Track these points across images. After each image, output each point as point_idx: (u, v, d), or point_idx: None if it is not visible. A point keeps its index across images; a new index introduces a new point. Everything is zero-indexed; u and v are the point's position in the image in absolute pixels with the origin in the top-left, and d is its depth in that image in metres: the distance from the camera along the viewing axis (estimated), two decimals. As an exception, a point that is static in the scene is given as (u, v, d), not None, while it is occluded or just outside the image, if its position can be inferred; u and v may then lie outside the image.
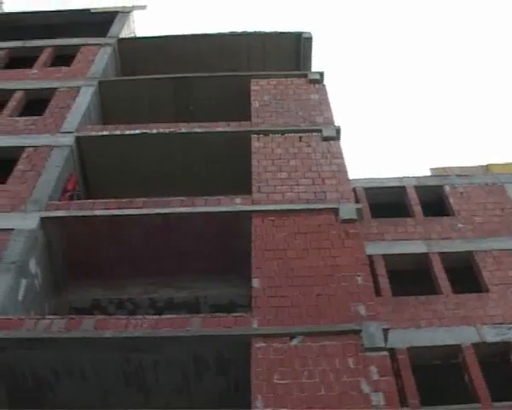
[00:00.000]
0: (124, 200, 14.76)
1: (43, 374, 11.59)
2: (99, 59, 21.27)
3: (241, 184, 15.44)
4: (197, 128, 17.08)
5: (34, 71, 21.02)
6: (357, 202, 14.59)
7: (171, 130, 17.12)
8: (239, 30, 21.90)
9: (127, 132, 17.25)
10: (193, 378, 11.46)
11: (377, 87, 78.61)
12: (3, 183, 15.76)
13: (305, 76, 18.83)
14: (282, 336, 10.97)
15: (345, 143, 36.73)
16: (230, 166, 16.68)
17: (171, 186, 16.55)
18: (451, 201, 18.88)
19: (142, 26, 31.49)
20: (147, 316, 11.87)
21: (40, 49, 22.43)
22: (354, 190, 15.70)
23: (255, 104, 17.79)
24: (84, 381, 11.56)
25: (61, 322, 11.63)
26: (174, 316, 11.80)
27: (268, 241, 13.20)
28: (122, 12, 24.27)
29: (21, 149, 16.89)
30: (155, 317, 11.75)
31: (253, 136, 16.38)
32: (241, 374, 11.03)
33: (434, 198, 19.25)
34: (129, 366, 11.40)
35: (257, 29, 21.79)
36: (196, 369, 11.33)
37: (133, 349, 11.24)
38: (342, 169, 15.06)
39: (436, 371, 14.91)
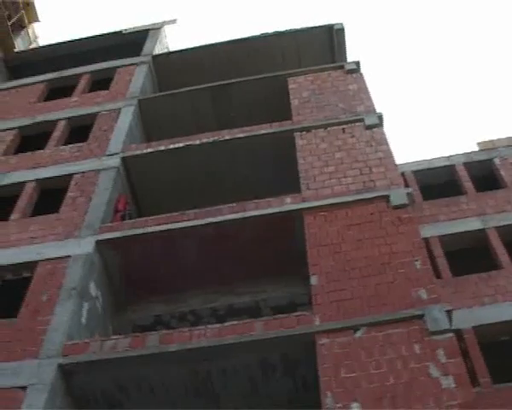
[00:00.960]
0: (175, 213, 14.85)
1: (113, 393, 11.73)
2: (136, 78, 21.46)
3: (289, 183, 15.38)
4: (240, 133, 17.07)
5: (74, 99, 21.32)
6: (406, 186, 14.41)
7: (215, 139, 17.15)
8: (269, 31, 21.88)
9: (171, 147, 17.33)
10: (260, 382, 11.45)
11: (412, 69, 77.78)
12: (56, 211, 15.96)
13: (342, 67, 18.71)
14: (345, 329, 10.90)
15: (388, 130, 36.43)
16: (277, 167, 16.61)
17: (220, 194, 16.55)
18: (503, 173, 18.58)
19: (174, 39, 31.63)
20: (209, 326, 11.88)
21: (77, 76, 22.77)
22: (403, 174, 15.53)
23: (295, 102, 17.72)
24: (153, 396, 11.65)
25: (126, 341, 11.77)
26: (236, 322, 11.78)
27: (322, 237, 13.12)
28: (153, 29, 24.45)
29: (70, 176, 17.14)
30: (218, 325, 11.77)
31: (296, 134, 16.32)
32: (308, 373, 10.99)
33: (485, 173, 18.99)
34: (196, 377, 11.46)
35: (287, 28, 21.77)
36: (263, 372, 11.32)
37: (199, 360, 11.30)
38: (388, 155, 14.90)
39: (505, 348, 14.66)
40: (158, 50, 23.27)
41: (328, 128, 16.23)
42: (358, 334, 10.82)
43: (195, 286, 14.67)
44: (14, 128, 20.36)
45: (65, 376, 11.62)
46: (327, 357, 10.52)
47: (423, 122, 72.49)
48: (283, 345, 11.12)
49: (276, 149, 16.54)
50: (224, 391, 11.56)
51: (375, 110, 16.55)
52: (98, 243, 14.61)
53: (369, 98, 17.12)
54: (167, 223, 14.68)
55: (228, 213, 14.46)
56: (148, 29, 24.53)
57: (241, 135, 17.02)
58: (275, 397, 11.52)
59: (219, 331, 11.49)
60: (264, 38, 21.72)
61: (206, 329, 11.66)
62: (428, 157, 18.73)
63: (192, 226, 14.48)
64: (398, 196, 13.54)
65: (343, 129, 16.09)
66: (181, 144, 17.28)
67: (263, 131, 16.89)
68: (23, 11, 30.30)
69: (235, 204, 14.65)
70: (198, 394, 11.62)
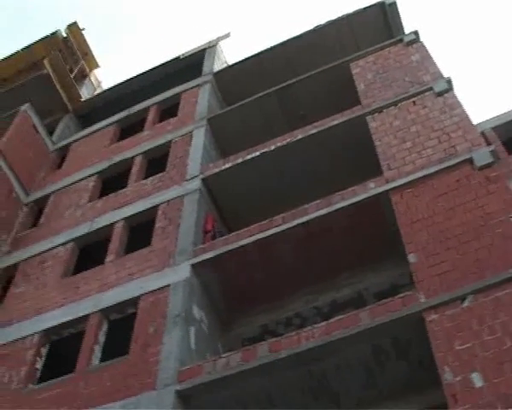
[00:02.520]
0: (263, 222, 14.88)
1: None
2: (201, 99, 21.67)
3: (369, 168, 15.18)
4: (312, 130, 16.98)
5: (146, 132, 21.70)
6: (488, 144, 13.95)
7: (288, 140, 17.12)
8: (321, 22, 21.72)
9: (248, 157, 17.41)
10: (376, 370, 11.29)
11: (469, 27, 75.84)
12: (148, 244, 16.23)
13: (401, 41, 18.40)
14: (452, 301, 10.64)
15: (460, 93, 35.56)
16: (354, 154, 16.43)
17: (303, 192, 16.48)
18: None
19: (231, 52, 31.88)
20: (315, 325, 11.78)
21: (145, 110, 23.21)
22: (482, 133, 15.02)
23: (361, 86, 17.54)
24: (272, 405, 11.65)
25: (237, 356, 11.83)
26: (342, 316, 11.64)
27: (412, 213, 12.88)
28: (209, 47, 24.64)
29: (155, 207, 17.43)
30: (324, 323, 11.65)
31: (367, 117, 16.13)
32: (422, 352, 10.77)
33: None
34: (312, 379, 11.40)
35: (338, 15, 21.55)
36: (377, 360, 11.17)
37: (311, 361, 11.25)
38: (464, 117, 14.53)
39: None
40: (217, 67, 23.44)
41: (399, 104, 15.97)
42: (466, 303, 10.55)
43: (295, 289, 14.68)
44: (94, 174, 20.90)
45: (184, 401, 11.78)
46: (438, 332, 10.31)
47: (491, 79, 70.46)
48: (392, 329, 10.95)
49: (350, 136, 16.38)
50: (342, 387, 11.46)
51: (442, 76, 16.19)
52: (194, 266, 14.79)
53: (434, 65, 16.77)
54: (258, 233, 14.72)
55: (314, 211, 14.39)
56: (204, 48, 24.75)
57: (314, 131, 16.92)
58: (392, 382, 11.33)
59: (326, 329, 11.39)
60: (318, 30, 21.59)
61: (313, 329, 11.57)
62: (506, 110, 18.05)
63: (282, 231, 14.48)
64: (482, 156, 13.17)
65: (413, 102, 15.80)
66: (257, 153, 17.33)
67: (335, 122, 16.75)
68: (83, 61, 31.06)
69: (319, 200, 14.56)
70: (316, 395, 11.56)
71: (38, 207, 21.30)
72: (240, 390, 11.59)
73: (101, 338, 14.54)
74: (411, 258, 11.94)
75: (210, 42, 24.97)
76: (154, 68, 25.57)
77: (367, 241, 14.09)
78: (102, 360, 14.03)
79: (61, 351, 15.37)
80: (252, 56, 22.41)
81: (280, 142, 17.24)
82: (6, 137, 22.06)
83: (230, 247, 14.81)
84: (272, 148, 17.20)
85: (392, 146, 14.87)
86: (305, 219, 14.38)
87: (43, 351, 15.13)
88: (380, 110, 16.10)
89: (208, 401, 11.77)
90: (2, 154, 21.10)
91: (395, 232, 12.78)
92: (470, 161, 13.17)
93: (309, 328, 11.71)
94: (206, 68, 23.55)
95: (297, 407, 11.64)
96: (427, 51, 17.45)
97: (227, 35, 25.23)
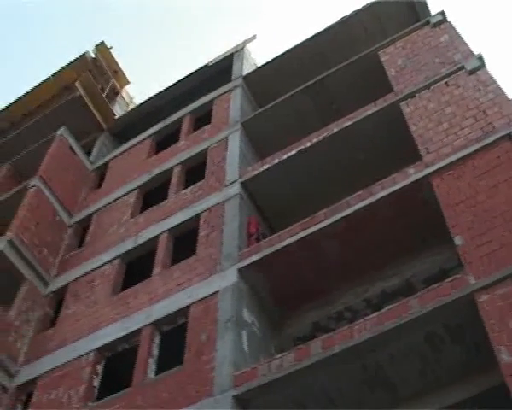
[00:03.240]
0: (306, 219, 14.84)
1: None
2: (233, 103, 21.68)
3: (406, 154, 15.03)
4: (347, 122, 16.86)
5: (182, 142, 21.78)
6: (527, 117, 13.70)
7: (324, 135, 17.03)
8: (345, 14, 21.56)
9: (285, 157, 17.38)
10: (431, 357, 11.14)
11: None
12: (194, 253, 16.29)
13: (428, 23, 18.12)
14: (503, 279, 10.47)
15: (493, 69, 35.01)
16: (390, 142, 16.27)
17: (341, 186, 16.39)
18: None
19: (259, 52, 31.97)
20: (367, 317, 11.68)
21: (179, 120, 23.29)
22: (520, 107, 14.75)
23: (391, 73, 17.36)
24: (331, 403, 11.59)
25: (291, 356, 11.79)
26: (392, 306, 11.52)
27: (454, 195, 12.72)
28: (237, 51, 24.62)
29: (197, 216, 17.51)
30: (375, 314, 11.56)
31: (401, 104, 15.95)
32: (476, 334, 10.59)
33: None
34: (367, 371, 11.31)
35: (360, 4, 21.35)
36: (431, 347, 11.01)
37: (365, 354, 11.16)
38: (500, 93, 14.28)
39: None
40: (247, 70, 23.39)
41: (432, 87, 15.78)
42: (517, 280, 10.39)
43: (343, 282, 14.61)
44: (134, 189, 21.08)
45: (242, 405, 11.81)
46: (491, 312, 10.15)
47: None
48: (444, 314, 10.80)
49: (385, 125, 16.23)
50: (398, 377, 11.34)
51: (473, 53, 15.94)
52: (241, 270, 14.83)
53: (464, 44, 16.53)
54: (301, 231, 14.67)
55: (356, 203, 14.29)
56: (232, 53, 24.74)
57: (349, 123, 16.81)
58: (448, 367, 11.18)
59: (378, 320, 11.30)
60: (344, 21, 21.39)
61: (365, 321, 11.49)
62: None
63: (325, 226, 14.42)
64: (521, 130, 12.96)
65: (446, 83, 15.60)
66: (293, 152, 17.29)
67: (369, 112, 16.61)
68: (113, 79, 31.30)
69: (360, 192, 14.46)
70: (372, 387, 11.46)
71: (82, 227, 21.58)
72: (296, 390, 11.55)
73: (155, 351, 14.65)
74: (457, 240, 11.79)
75: (237, 46, 24.96)
76: (184, 78, 25.63)
77: (411, 227, 13.95)
78: (157, 372, 14.12)
79: (114, 367, 15.53)
80: (280, 55, 22.30)
81: (315, 137, 17.16)
82: (45, 162, 22.37)
83: (275, 248, 14.80)
84: (308, 144, 17.14)
85: (428, 129, 14.71)
86: (347, 212, 14.30)
87: (99, 368, 15.32)
88: (413, 95, 15.93)
89: (265, 403, 11.75)
90: (43, 179, 21.40)
91: (439, 216, 12.61)
92: (509, 136, 12.96)
93: (360, 320, 11.63)
94: (235, 72, 23.55)
95: (354, 400, 11.57)
96: (455, 31, 17.20)
97: (253, 37, 25.18)
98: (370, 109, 16.64)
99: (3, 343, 16.65)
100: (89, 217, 21.55)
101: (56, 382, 15.55)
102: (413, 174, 13.90)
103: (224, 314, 13.81)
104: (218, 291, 14.58)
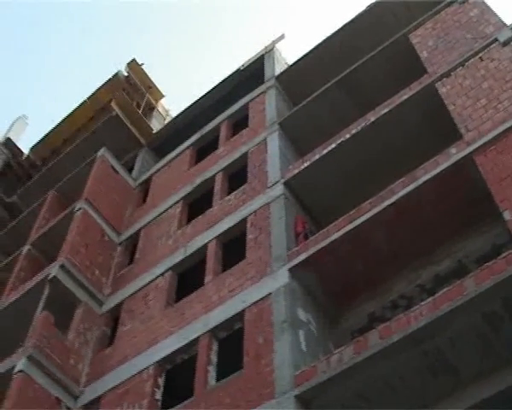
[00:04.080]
0: (352, 212, 14.74)
1: (355, 403, 11.64)
2: (268, 104, 21.66)
3: (446, 134, 14.83)
4: (384, 109, 16.70)
5: (221, 149, 21.84)
6: None
7: (362, 125, 16.93)
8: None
9: (325, 152, 17.31)
10: (491, 336, 10.87)
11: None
12: (243, 257, 16.30)
13: (455, 0, 17.88)
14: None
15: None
16: (428, 124, 16.08)
17: (384, 174, 16.16)
18: None
19: (290, 50, 31.91)
20: (422, 303, 11.50)
21: (216, 127, 23.36)
22: (557, 74, 14.45)
23: (424, 55, 17.16)
24: (394, 392, 11.44)
25: (349, 350, 11.69)
26: (447, 289, 11.32)
27: (499, 170, 12.51)
28: (267, 52, 24.58)
29: (244, 220, 17.54)
30: (430, 299, 11.37)
31: (436, 84, 15.76)
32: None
33: None
34: (427, 357, 11.13)
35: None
36: (490, 326, 10.77)
37: (423, 339, 11.00)
38: (537, 61, 14.05)
39: None
40: (278, 70, 23.33)
41: (466, 63, 15.56)
42: None
43: (395, 270, 14.45)
44: (179, 200, 21.21)
45: (304, 405, 11.74)
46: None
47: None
48: (500, 291, 10.57)
49: (421, 108, 16.05)
50: (459, 360, 11.11)
51: (505, 24, 15.68)
52: (291, 270, 14.79)
53: (495, 15, 16.25)
54: (347, 224, 14.57)
55: (400, 189, 14.13)
56: (263, 54, 24.70)
57: (386, 110, 16.66)
58: (510, 345, 10.94)
59: (433, 304, 11.12)
60: (371, 9, 21.18)
61: (421, 307, 11.31)
62: None
63: (371, 216, 14.30)
64: (559, 97, 12.71)
65: (480, 57, 15.37)
66: (333, 145, 17.21)
67: (404, 97, 16.43)
68: (148, 95, 31.53)
69: (403, 178, 14.30)
70: (434, 372, 11.26)
71: (131, 244, 21.77)
72: (357, 383, 11.43)
73: (214, 358, 14.68)
74: (506, 215, 11.63)
75: (266, 47, 24.90)
76: (217, 85, 25.69)
77: (458, 207, 13.73)
78: (218, 379, 14.14)
79: (174, 378, 15.62)
80: (310, 51, 22.18)
81: (354, 128, 17.07)
82: (89, 184, 22.64)
83: (323, 244, 14.74)
84: (347, 136, 17.05)
85: (466, 107, 14.51)
86: (392, 199, 14.15)
87: (160, 381, 15.40)
88: (447, 74, 15.72)
89: (328, 400, 11.66)
90: (88, 201, 21.66)
91: (485, 193, 12.44)
92: (550, 104, 12.71)
93: (416, 307, 11.47)
94: (267, 73, 23.52)
95: (417, 386, 11.41)
96: (484, 4, 16.91)
97: (282, 36, 25.11)
98: (406, 94, 16.46)
99: (65, 366, 16.88)
100: (137, 233, 21.74)
101: (120, 398, 15.71)
102: (455, 154, 13.71)
103: (279, 316, 13.78)
104: (270, 293, 14.56)
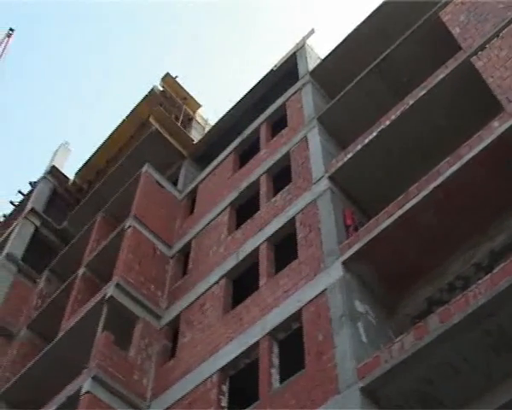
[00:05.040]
0: (399, 198, 14.55)
1: (421, 389, 11.50)
2: (305, 101, 21.57)
3: (486, 109, 14.57)
4: (422, 91, 16.52)
5: (263, 151, 21.84)
6: None
7: (401, 110, 16.78)
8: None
9: (366, 141, 17.22)
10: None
11: None
12: (295, 257, 16.24)
13: (483, -30, 17.58)
14: None
15: None
16: (470, 99, 15.83)
17: (430, 155, 15.98)
18: None
19: (322, 44, 31.65)
20: (479, 281, 11.29)
21: (256, 130, 23.36)
22: None
23: (456, 30, 16.90)
24: (458, 373, 11.26)
25: (410, 336, 11.55)
26: (503, 264, 11.07)
27: (546, 137, 12.27)
28: (297, 49, 24.50)
29: (292, 220, 17.52)
30: (487, 276, 11.14)
31: (472, 59, 15.53)
32: None
33: None
34: (490, 336, 10.91)
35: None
36: (553, 297, 10.59)
37: (485, 318, 10.79)
38: None
39: None
40: (311, 65, 23.21)
41: (500, 34, 15.30)
42: None
43: (449, 252, 14.23)
44: (226, 207, 21.29)
45: (370, 396, 11.62)
46: None
47: None
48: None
49: (459, 84, 15.82)
50: (523, 332, 10.94)
51: (537, -17, 15.37)
52: (344, 263, 14.70)
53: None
54: (396, 211, 14.40)
55: (447, 169, 13.92)
56: (294, 51, 24.63)
57: (423, 92, 16.47)
58: None
59: (491, 281, 10.90)
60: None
61: (478, 286, 11.09)
62: None
63: (420, 200, 14.10)
64: None
65: (515, 24, 15.09)
66: (374, 133, 17.10)
67: (441, 76, 16.21)
68: (184, 106, 31.69)
69: (448, 157, 14.08)
70: (497, 350, 11.01)
71: (183, 255, 21.89)
72: (421, 368, 11.28)
73: (276, 360, 14.63)
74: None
75: (297, 44, 24.81)
76: (252, 89, 25.71)
77: (507, 180, 13.46)
78: (281, 380, 14.08)
79: (237, 384, 15.64)
80: (341, 43, 21.97)
81: (393, 114, 16.92)
82: (136, 201, 22.83)
83: (373, 233, 14.59)
84: (387, 123, 16.93)
85: (505, 78, 14.27)
86: (439, 180, 13.95)
87: (225, 388, 15.41)
88: (482, 47, 15.48)
89: (394, 388, 11.55)
90: (137, 218, 21.84)
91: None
92: None
93: (474, 286, 11.25)
94: (301, 70, 23.44)
95: (481, 366, 11.20)
96: (513, -29, 16.59)
97: (311, 32, 24.97)
98: (443, 72, 16.25)
99: (130, 383, 17.03)
100: (188, 244, 21.84)
101: (186, 409, 15.78)
102: (499, 127, 13.45)
103: (337, 310, 13.70)
104: (326, 289, 14.48)
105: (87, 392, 16.02)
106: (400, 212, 14.33)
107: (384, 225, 14.48)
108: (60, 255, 26.66)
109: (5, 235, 30.19)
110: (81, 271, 22.87)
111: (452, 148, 14.21)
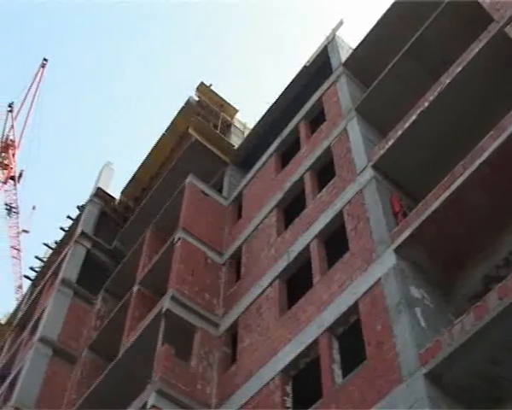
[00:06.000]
0: (445, 178, 14.31)
1: (487, 369, 11.29)
2: (341, 93, 21.43)
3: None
4: (457, 68, 16.26)
5: (304, 149, 21.77)
6: None
7: (439, 90, 16.59)
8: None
9: (406, 125, 17.07)
10: None
11: None
12: (346, 250, 16.12)
13: None
14: None
15: None
16: (508, 70, 15.53)
17: (472, 132, 15.71)
18: None
19: (352, 34, 31.45)
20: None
21: (295, 129, 23.29)
22: None
23: (486, 2, 16.63)
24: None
25: (469, 317, 11.34)
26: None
27: None
28: (328, 42, 24.33)
29: (340, 213, 17.45)
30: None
31: (506, 29, 15.21)
32: None
33: None
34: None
35: None
36: None
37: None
38: None
39: None
40: (344, 56, 23.02)
41: (532, -1, 14.99)
42: None
43: (500, 227, 13.91)
44: (272, 209, 21.30)
45: (435, 382, 11.44)
46: None
47: None
48: None
49: (495, 56, 15.55)
50: None
51: None
52: (397, 250, 14.56)
53: None
54: (444, 191, 14.17)
55: (491, 144, 13.64)
56: (325, 45, 24.47)
57: (459, 69, 16.23)
58: None
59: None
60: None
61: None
62: None
63: (467, 178, 13.83)
64: None
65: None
66: (414, 117, 16.94)
67: (475, 50, 15.94)
68: (222, 113, 31.73)
69: (491, 132, 13.80)
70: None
71: (235, 261, 21.93)
72: (485, 348, 11.05)
73: (336, 356, 14.52)
74: None
75: (327, 37, 24.63)
76: (287, 87, 25.67)
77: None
78: (343, 375, 13.97)
79: (298, 384, 15.55)
80: (371, 30, 21.67)
81: (431, 95, 16.69)
82: (183, 213, 22.94)
83: (423, 217, 14.39)
84: (426, 104, 16.73)
85: (543, 44, 13.95)
86: (484, 156, 13.66)
87: (288, 389, 15.33)
88: (515, 15, 15.18)
89: (458, 371, 11.35)
90: (185, 230, 21.96)
91: None
92: None
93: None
94: (334, 63, 23.28)
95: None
96: None
97: (340, 23, 24.77)
98: (477, 47, 15.99)
99: (193, 393, 17.08)
100: (238, 249, 21.87)
101: (252, 414, 15.80)
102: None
103: (393, 298, 13.55)
104: (380, 279, 14.36)
105: (152, 406, 16.09)
106: (448, 192, 14.09)
107: (433, 208, 14.26)
108: (113, 275, 26.94)
109: (58, 260, 30.66)
110: (136, 288, 23.08)
111: (494, 121, 13.92)
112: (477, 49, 15.88)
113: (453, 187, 14.03)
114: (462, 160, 14.14)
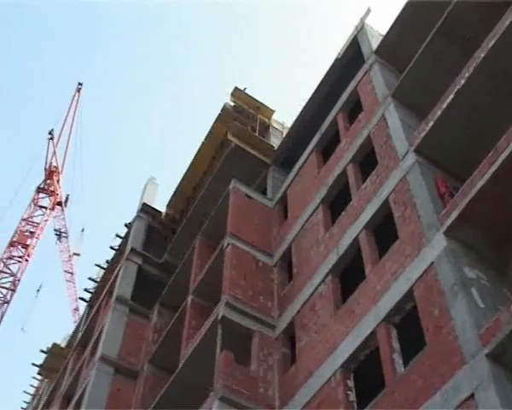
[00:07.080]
0: (489, 155, 14.05)
1: None
2: (376, 81, 21.28)
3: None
4: (491, 41, 15.92)
5: (344, 141, 21.66)
6: None
7: (474, 66, 16.32)
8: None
9: (445, 106, 16.85)
10: None
11: None
12: (396, 238, 15.97)
13: None
14: None
15: None
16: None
17: (505, 111, 15.44)
18: None
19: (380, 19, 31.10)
20: None
21: (333, 122, 23.20)
22: None
23: (514, -28, 16.31)
24: None
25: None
26: None
27: None
28: (357, 31, 24.12)
29: (386, 202, 17.39)
30: None
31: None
32: None
33: None
34: None
35: None
36: None
37: None
38: None
39: None
40: (375, 44, 22.80)
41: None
42: None
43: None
44: (318, 205, 21.24)
45: (498, 361, 11.28)
46: None
47: None
48: None
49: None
50: None
51: None
52: (447, 232, 14.39)
53: None
54: (490, 167, 13.92)
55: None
56: (355, 34, 24.28)
57: (493, 42, 15.90)
58: None
59: None
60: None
61: None
62: None
63: (510, 153, 13.53)
64: None
65: None
66: (451, 96, 16.67)
67: (508, 21, 15.57)
68: (259, 115, 31.65)
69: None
70: None
71: (286, 261, 21.89)
72: None
73: (396, 345, 14.40)
74: None
75: (356, 26, 24.44)
76: (321, 82, 25.56)
77: None
78: (404, 364, 13.83)
79: (359, 377, 15.47)
80: (400, 14, 21.43)
81: (467, 72, 16.42)
82: (229, 218, 23.03)
83: (470, 196, 14.18)
84: (462, 82, 16.44)
85: None
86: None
87: (350, 383, 15.24)
88: (545, -19, 14.89)
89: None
90: (233, 235, 22.01)
91: None
92: None
93: None
94: (365, 51, 23.08)
95: None
96: None
97: (368, 11, 24.52)
98: (509, 17, 15.63)
99: (256, 396, 17.13)
100: (288, 250, 21.84)
101: (316, 411, 15.74)
102: None
103: (448, 281, 13.41)
104: (433, 262, 14.22)
105: (217, 414, 16.17)
106: (494, 168, 13.84)
107: (479, 185, 14.03)
108: (167, 287, 27.15)
109: (112, 279, 30.98)
110: (189, 298, 23.23)
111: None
112: (508, 21, 15.57)
113: (498, 162, 13.78)
114: (504, 134, 13.88)
